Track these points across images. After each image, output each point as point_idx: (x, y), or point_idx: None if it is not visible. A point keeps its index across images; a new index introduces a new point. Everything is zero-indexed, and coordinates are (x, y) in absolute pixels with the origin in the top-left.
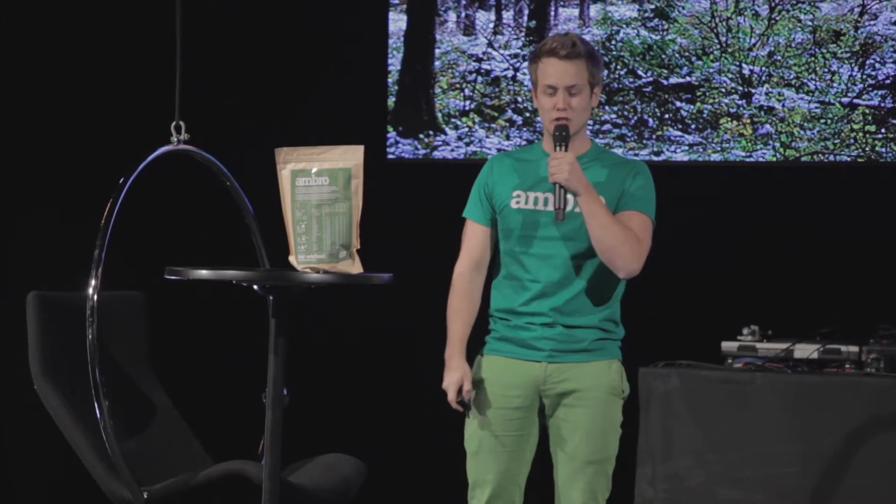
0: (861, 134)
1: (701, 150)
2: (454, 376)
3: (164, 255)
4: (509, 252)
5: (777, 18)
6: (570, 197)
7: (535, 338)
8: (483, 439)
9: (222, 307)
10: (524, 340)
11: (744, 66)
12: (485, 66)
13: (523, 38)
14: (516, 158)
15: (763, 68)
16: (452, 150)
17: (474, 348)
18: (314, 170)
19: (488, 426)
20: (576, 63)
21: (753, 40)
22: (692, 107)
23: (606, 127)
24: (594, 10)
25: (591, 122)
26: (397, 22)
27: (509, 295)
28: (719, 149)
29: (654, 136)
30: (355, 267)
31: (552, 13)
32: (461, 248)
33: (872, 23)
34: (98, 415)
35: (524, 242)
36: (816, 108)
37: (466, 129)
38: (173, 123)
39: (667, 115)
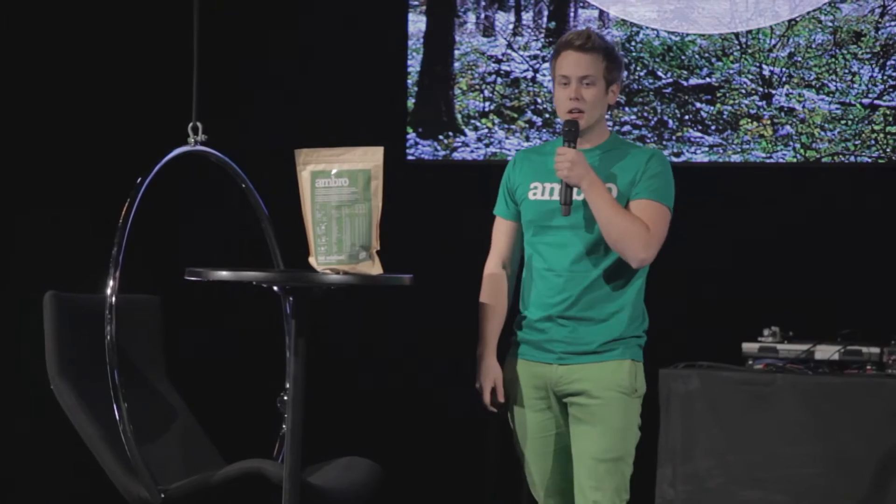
0: (882, 135)
1: (721, 151)
2: (487, 378)
3: (177, 257)
4: (529, 243)
5: (797, 19)
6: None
7: (547, 340)
8: (531, 442)
9: (233, 309)
10: (538, 342)
11: (764, 67)
12: (504, 67)
13: (543, 40)
14: (536, 152)
15: (783, 69)
16: (472, 152)
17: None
18: (334, 171)
19: (531, 428)
20: (590, 55)
21: (774, 41)
22: (712, 108)
23: (626, 128)
24: (614, 11)
25: (610, 123)
26: (417, 23)
27: (529, 285)
28: (739, 150)
29: (673, 137)
30: (375, 268)
31: (572, 14)
32: (491, 246)
33: (893, 23)
34: (117, 415)
35: (541, 232)
36: (837, 109)
37: (486, 131)
38: (190, 124)
39: (687, 117)
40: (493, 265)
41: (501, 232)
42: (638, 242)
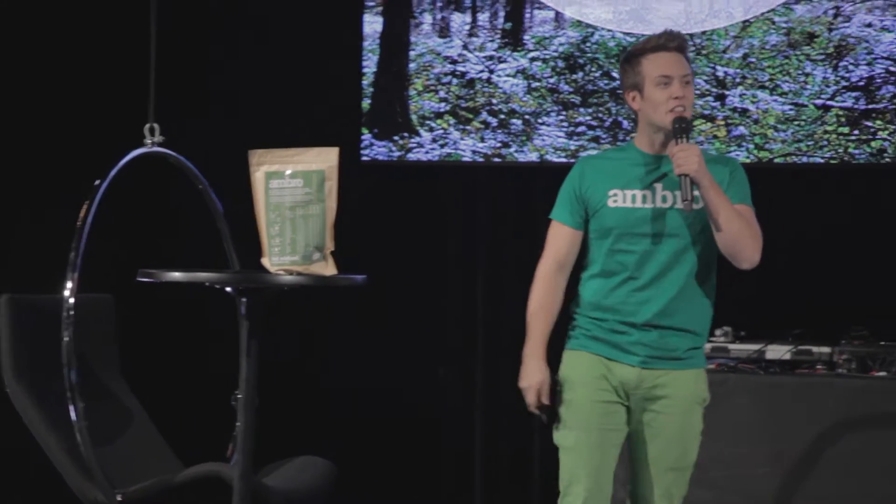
0: (834, 136)
1: None
2: (534, 379)
3: (131, 258)
4: (608, 251)
5: (751, 21)
6: (667, 193)
7: (631, 342)
8: (586, 433)
9: (186, 310)
10: (619, 343)
11: (718, 68)
12: (460, 68)
13: (498, 41)
14: (608, 159)
15: (737, 70)
16: (427, 152)
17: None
18: (288, 172)
19: (583, 421)
20: (684, 55)
21: (728, 42)
22: None
23: (581, 129)
24: (570, 12)
25: (565, 123)
26: (373, 24)
27: (607, 292)
28: None
29: (628, 138)
30: (329, 269)
31: (528, 15)
32: (545, 249)
33: (846, 25)
34: (73, 417)
35: (624, 240)
36: (790, 109)
37: (441, 131)
38: (147, 125)
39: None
40: (550, 268)
41: (562, 238)
42: (754, 244)
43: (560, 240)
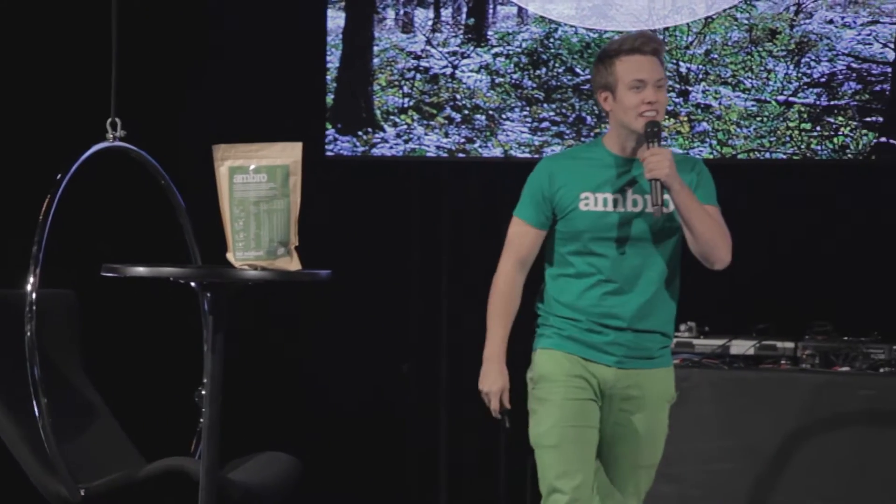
0: (797, 132)
1: None
2: (496, 384)
3: (92, 253)
4: (577, 252)
5: (714, 17)
6: (637, 197)
7: (608, 343)
8: (562, 430)
9: (148, 305)
10: (595, 344)
11: (681, 64)
12: (423, 63)
13: (461, 36)
14: (577, 158)
15: (700, 66)
16: (391, 148)
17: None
18: (252, 167)
19: (565, 417)
20: (658, 59)
21: (690, 38)
22: None
23: (545, 125)
24: (533, 8)
25: (528, 119)
26: (336, 19)
27: (579, 293)
28: None
29: (591, 134)
30: (293, 264)
31: (490, 11)
32: (507, 246)
33: (808, 21)
34: (36, 412)
35: (595, 244)
36: (753, 106)
37: (405, 127)
38: (109, 120)
39: (604, 114)
40: (513, 267)
41: (525, 236)
42: (725, 244)
43: (523, 238)
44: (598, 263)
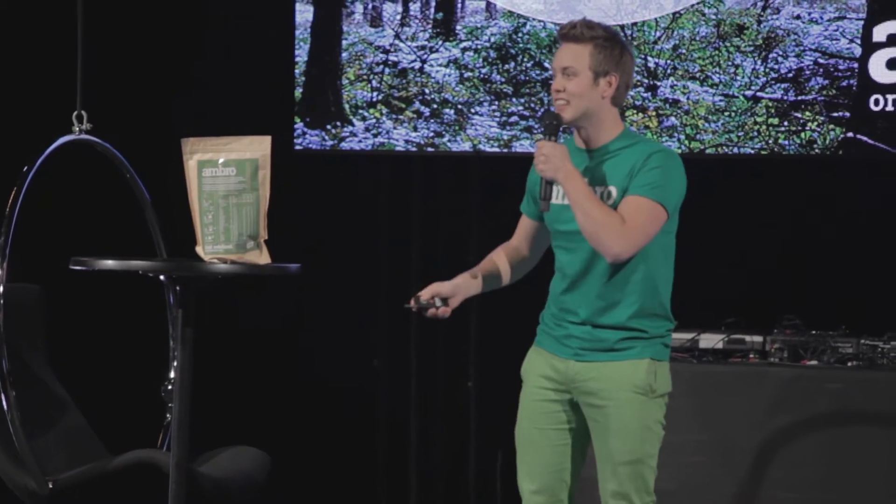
0: (764, 127)
1: None
2: (439, 283)
3: (57, 247)
4: (556, 247)
5: (682, 12)
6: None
7: (566, 335)
8: (526, 431)
9: (112, 299)
10: (558, 337)
11: (649, 59)
12: (392, 57)
13: (430, 30)
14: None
15: (668, 61)
16: (360, 142)
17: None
18: (221, 160)
19: (530, 418)
20: (575, 46)
21: (658, 33)
22: None
23: (514, 119)
24: (501, 3)
25: (497, 113)
26: (304, 13)
27: (556, 288)
28: None
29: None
30: (263, 258)
31: (459, 5)
32: None
33: (775, 17)
34: (4, 405)
35: (559, 237)
36: (720, 101)
37: (374, 121)
38: (75, 113)
39: None
40: (504, 244)
41: (520, 225)
42: (611, 237)
43: (518, 226)
44: (560, 258)
